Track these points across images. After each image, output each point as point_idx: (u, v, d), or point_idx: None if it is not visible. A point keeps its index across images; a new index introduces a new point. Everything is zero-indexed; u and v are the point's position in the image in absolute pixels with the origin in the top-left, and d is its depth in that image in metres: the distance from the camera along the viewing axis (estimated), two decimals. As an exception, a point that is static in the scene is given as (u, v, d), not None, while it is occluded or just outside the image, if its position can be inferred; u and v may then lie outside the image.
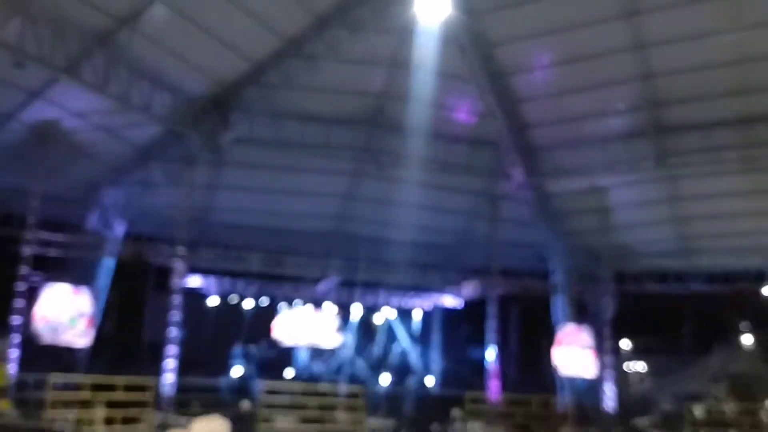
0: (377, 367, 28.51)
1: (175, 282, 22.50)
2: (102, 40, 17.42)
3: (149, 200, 23.19)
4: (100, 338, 23.83)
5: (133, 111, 19.15)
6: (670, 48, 18.91)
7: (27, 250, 20.33)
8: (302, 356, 27.00)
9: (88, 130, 20.81)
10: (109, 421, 15.42)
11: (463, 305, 29.57)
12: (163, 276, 24.32)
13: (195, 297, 27.10)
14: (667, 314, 30.39)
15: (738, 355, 29.28)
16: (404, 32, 19.91)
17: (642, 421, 20.14)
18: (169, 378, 21.19)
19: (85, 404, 15.87)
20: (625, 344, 31.26)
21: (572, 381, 25.05)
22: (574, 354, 24.53)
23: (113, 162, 22.86)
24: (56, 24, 16.23)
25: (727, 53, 18.71)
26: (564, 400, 20.49)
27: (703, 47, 18.57)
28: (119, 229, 23.51)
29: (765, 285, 25.12)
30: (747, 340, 30.08)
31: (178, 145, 21.87)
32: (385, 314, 30.29)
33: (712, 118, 20.47)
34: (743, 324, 30.55)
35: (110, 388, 15.27)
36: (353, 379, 25.01)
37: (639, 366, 31.47)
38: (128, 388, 15.64)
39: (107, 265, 23.15)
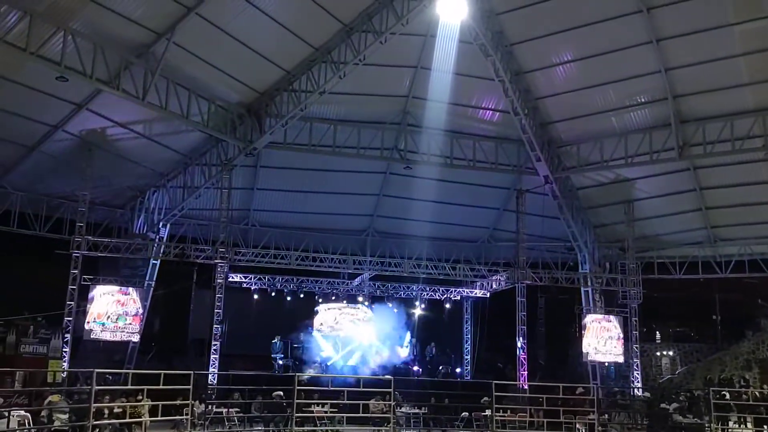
0: (410, 358, 29.14)
1: (218, 280, 23.79)
2: (140, 52, 18.47)
3: (191, 203, 24.34)
4: (148, 335, 25.10)
5: (173, 119, 20.30)
6: (686, 40, 19.35)
7: (77, 254, 21.54)
8: (338, 349, 27.85)
9: (131, 138, 21.96)
10: (153, 411, 16.07)
11: (492, 297, 30.00)
12: (206, 275, 25.49)
13: (237, 294, 28.17)
14: (697, 302, 30.41)
15: (768, 341, 28.98)
16: (428, 35, 20.87)
17: (670, 406, 20.35)
18: (211, 371, 22.44)
19: (130, 395, 16.77)
20: (655, 332, 31.34)
21: (601, 368, 25.56)
22: (602, 342, 24.99)
23: (156, 168, 24.06)
24: (96, 38, 17.14)
25: (745, 43, 19.08)
26: (592, 387, 20.86)
27: (719, 38, 18.97)
28: (163, 231, 24.75)
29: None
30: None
31: (217, 150, 23.12)
32: (417, 307, 30.91)
33: (733, 108, 20.76)
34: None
35: (153, 380, 15.60)
36: (386, 370, 25.71)
37: (670, 353, 31.44)
38: (170, 380, 15.91)
39: (153, 265, 24.36)
